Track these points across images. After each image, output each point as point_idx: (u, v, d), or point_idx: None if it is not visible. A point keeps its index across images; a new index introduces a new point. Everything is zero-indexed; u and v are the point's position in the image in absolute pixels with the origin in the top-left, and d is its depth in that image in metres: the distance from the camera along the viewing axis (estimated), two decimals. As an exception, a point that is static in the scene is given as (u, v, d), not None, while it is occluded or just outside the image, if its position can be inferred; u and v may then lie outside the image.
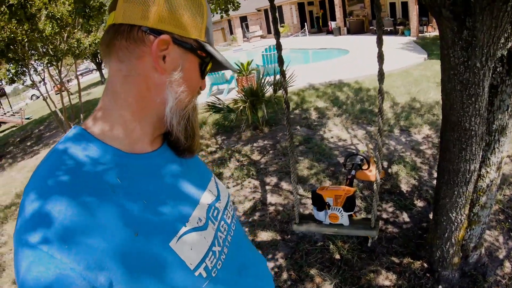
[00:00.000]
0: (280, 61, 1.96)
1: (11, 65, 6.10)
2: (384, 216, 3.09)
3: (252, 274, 0.73)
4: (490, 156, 1.93)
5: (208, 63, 0.65)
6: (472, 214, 2.06)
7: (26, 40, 5.11)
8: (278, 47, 1.94)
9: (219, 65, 0.69)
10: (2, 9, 2.94)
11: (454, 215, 1.99)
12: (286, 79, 6.00)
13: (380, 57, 1.74)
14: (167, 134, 0.67)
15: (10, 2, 2.94)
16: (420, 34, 14.20)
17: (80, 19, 4.51)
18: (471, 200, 2.01)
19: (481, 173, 1.97)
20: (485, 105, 1.68)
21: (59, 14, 5.07)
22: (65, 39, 5.77)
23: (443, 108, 1.85)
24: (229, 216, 0.75)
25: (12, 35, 4.77)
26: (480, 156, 1.83)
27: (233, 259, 0.68)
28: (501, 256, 2.37)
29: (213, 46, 0.66)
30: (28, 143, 10.02)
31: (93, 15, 3.84)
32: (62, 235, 0.46)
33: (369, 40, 14.92)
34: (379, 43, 1.73)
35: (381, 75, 1.80)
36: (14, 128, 14.04)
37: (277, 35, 1.90)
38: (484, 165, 1.95)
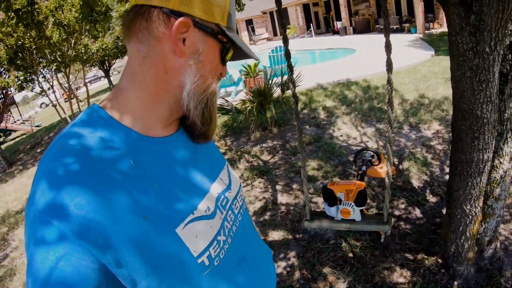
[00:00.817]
0: (288, 55, 1.96)
1: (20, 72, 6.21)
2: (397, 213, 3.03)
3: (251, 266, 0.73)
4: (503, 146, 1.87)
5: (229, 49, 0.63)
6: (486, 207, 2.00)
7: (34, 47, 5.19)
8: (287, 54, 1.95)
9: (241, 54, 0.68)
10: (9, 14, 2.99)
11: (468, 207, 1.93)
12: (294, 78, 6.01)
13: (388, 47, 1.72)
14: (183, 119, 0.66)
15: (17, 7, 3.00)
16: (426, 31, 14.04)
17: (87, 24, 4.56)
18: (485, 192, 1.96)
19: (494, 163, 1.91)
20: (496, 92, 1.63)
21: (66, 21, 5.14)
22: (72, 45, 5.85)
23: (453, 97, 1.81)
24: (237, 207, 0.74)
25: (20, 42, 4.86)
26: (493, 145, 1.77)
27: (235, 249, 0.68)
28: (517, 250, 2.30)
29: (235, 32, 0.64)
30: (38, 150, 10.17)
31: (100, 19, 3.88)
32: (72, 214, 0.47)
33: (376, 38, 14.83)
34: (386, 33, 1.70)
35: (389, 65, 1.78)
36: (24, 136, 14.31)
37: (286, 42, 1.94)
38: (497, 156, 1.89)
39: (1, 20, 3.76)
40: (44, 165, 0.52)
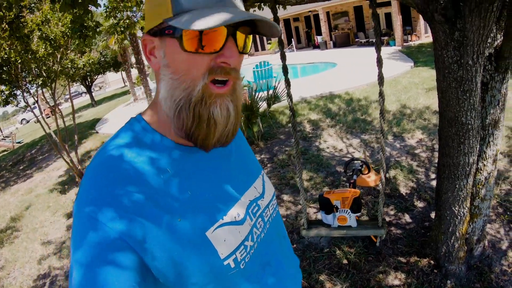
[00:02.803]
0: (285, 71, 2.07)
1: (5, 86, 6.09)
2: (387, 219, 3.14)
3: (275, 272, 0.75)
4: (486, 150, 2.02)
5: (179, 33, 0.55)
6: (473, 207, 2.13)
7: (19, 61, 5.13)
8: (285, 70, 2.09)
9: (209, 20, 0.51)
10: (3, 26, 2.99)
11: (457, 208, 2.06)
12: (278, 94, 6.00)
13: (379, 62, 1.85)
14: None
15: (11, 19, 3.00)
16: (405, 44, 14.63)
17: (75, 39, 4.57)
18: (471, 193, 2.09)
19: (479, 166, 2.05)
20: (478, 100, 1.78)
21: (52, 35, 5.12)
22: (58, 60, 5.80)
23: (439, 106, 1.95)
24: (267, 215, 0.77)
25: (6, 56, 4.80)
26: (477, 149, 1.92)
27: (260, 254, 0.71)
28: (503, 247, 2.45)
29: (195, 10, 0.53)
30: (21, 167, 9.91)
31: (89, 34, 3.91)
32: (117, 214, 0.52)
33: (355, 52, 15.32)
34: (378, 48, 1.84)
35: (381, 79, 1.91)
36: (5, 152, 13.84)
37: (283, 58, 2.08)
38: (481, 159, 2.04)
39: None
40: (93, 168, 0.58)
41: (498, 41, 1.82)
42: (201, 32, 0.53)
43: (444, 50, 1.72)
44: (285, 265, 0.80)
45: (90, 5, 2.73)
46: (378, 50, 1.84)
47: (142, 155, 0.60)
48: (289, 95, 2.15)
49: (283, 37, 23.84)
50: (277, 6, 1.99)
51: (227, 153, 0.73)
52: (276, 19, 1.99)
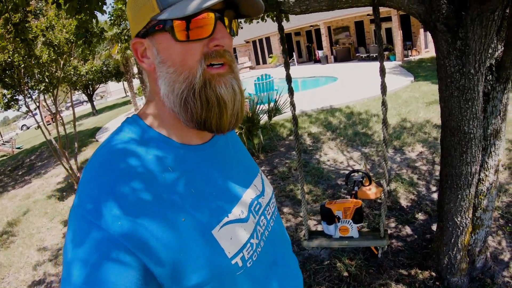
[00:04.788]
0: (289, 79, 2.08)
1: (7, 90, 6.12)
2: (388, 231, 3.11)
3: (282, 271, 0.75)
4: (488, 160, 2.01)
5: (170, 24, 0.56)
6: (475, 218, 2.11)
7: (22, 65, 5.17)
8: (288, 78, 2.13)
9: (196, 7, 0.54)
10: (8, 27, 3.02)
11: (459, 219, 2.04)
12: (279, 106, 6.03)
13: (382, 71, 1.86)
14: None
15: (16, 21, 3.03)
16: (405, 58, 14.79)
17: (80, 45, 4.61)
18: (473, 204, 2.07)
19: (481, 177, 2.04)
20: (480, 109, 1.78)
21: (56, 41, 5.17)
22: (61, 66, 5.85)
23: (442, 115, 1.95)
24: (269, 213, 0.76)
25: (10, 59, 4.84)
26: (480, 159, 1.91)
27: (266, 253, 0.70)
28: (506, 259, 2.42)
29: (178, 3, 0.56)
30: (20, 172, 9.88)
31: (94, 40, 3.96)
32: (115, 215, 0.50)
33: (356, 66, 15.47)
34: (380, 57, 1.86)
35: (383, 88, 1.91)
36: (4, 158, 13.83)
37: (287, 67, 2.11)
38: (483, 169, 2.03)
39: (0, 33, 3.78)
40: (90, 170, 0.56)
41: (499, 52, 1.84)
42: (189, 19, 0.55)
43: (446, 59, 1.73)
44: (290, 264, 0.80)
45: (96, 11, 2.77)
46: (381, 59, 1.86)
47: (143, 154, 0.58)
48: (292, 104, 2.16)
49: (285, 51, 24.06)
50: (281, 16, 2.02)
51: (227, 151, 0.73)
52: (281, 28, 2.01)
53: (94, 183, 0.54)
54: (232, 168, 0.72)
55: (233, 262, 0.60)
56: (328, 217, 2.33)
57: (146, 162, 0.58)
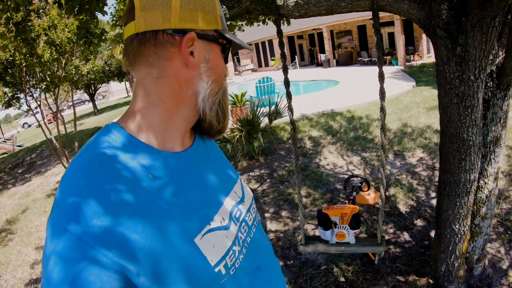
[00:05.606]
0: (287, 83, 2.07)
1: (8, 89, 6.14)
2: (386, 237, 3.09)
3: (265, 277, 0.75)
4: (487, 167, 1.99)
5: (229, 48, 0.69)
6: (473, 226, 2.09)
7: (24, 64, 5.17)
8: (287, 82, 2.11)
9: (236, 47, 0.74)
10: (9, 26, 3.02)
11: (457, 226, 2.02)
12: (279, 109, 6.02)
13: (381, 76, 1.85)
14: (197, 126, 0.71)
15: (18, 20, 3.04)
16: (407, 63, 14.78)
17: (81, 45, 4.62)
18: (472, 211, 2.05)
19: (480, 184, 2.02)
20: (480, 116, 1.77)
21: (58, 40, 5.18)
22: (63, 65, 5.86)
23: (441, 122, 1.94)
24: (250, 219, 0.76)
25: (11, 58, 4.84)
26: (479, 166, 1.89)
27: (250, 260, 0.70)
28: (504, 267, 2.40)
29: (227, 31, 0.70)
30: (20, 170, 9.88)
31: (95, 41, 3.96)
32: (93, 223, 0.49)
33: (358, 70, 15.47)
34: (380, 63, 1.85)
35: (382, 93, 1.90)
36: (5, 155, 13.85)
37: (285, 71, 2.10)
38: (482, 176, 2.01)
39: (1, 32, 3.78)
40: (71, 176, 0.54)
41: (500, 58, 1.83)
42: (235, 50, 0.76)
43: (446, 65, 1.72)
44: (273, 269, 0.80)
45: (96, 12, 2.77)
46: (380, 65, 1.85)
47: (122, 161, 0.57)
48: (290, 108, 2.14)
49: (287, 53, 24.13)
50: (281, 20, 2.01)
51: (207, 158, 0.73)
52: (279, 31, 2.01)
53: (73, 190, 0.52)
54: (212, 175, 0.72)
55: (216, 270, 0.60)
56: (325, 222, 2.31)
57: (126, 171, 0.56)
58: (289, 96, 2.13)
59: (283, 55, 2.02)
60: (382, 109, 1.96)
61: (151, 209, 0.55)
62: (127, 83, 27.94)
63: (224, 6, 2.09)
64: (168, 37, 0.60)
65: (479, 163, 1.89)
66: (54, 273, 0.47)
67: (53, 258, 0.48)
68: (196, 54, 0.62)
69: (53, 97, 6.37)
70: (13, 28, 2.97)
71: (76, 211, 0.49)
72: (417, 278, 2.43)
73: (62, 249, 0.48)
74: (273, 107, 5.80)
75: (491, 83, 1.87)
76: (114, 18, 6.69)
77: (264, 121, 5.94)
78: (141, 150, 0.60)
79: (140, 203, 0.54)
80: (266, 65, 25.09)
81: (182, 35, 0.60)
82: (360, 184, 2.95)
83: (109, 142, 0.59)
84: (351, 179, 2.95)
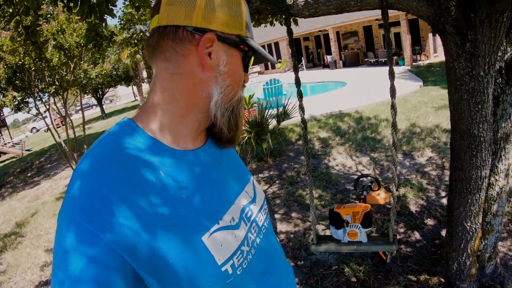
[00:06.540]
0: (298, 83, 2.08)
1: (17, 93, 6.23)
2: (397, 236, 3.06)
3: (273, 279, 0.73)
4: (498, 164, 1.98)
5: (251, 57, 0.68)
6: (485, 224, 2.08)
7: (33, 68, 5.24)
8: (297, 82, 2.14)
9: (260, 58, 0.72)
10: (19, 29, 3.07)
11: (469, 224, 2.01)
12: (287, 111, 6.03)
13: (391, 74, 1.85)
14: (211, 129, 0.69)
15: (27, 24, 3.09)
16: (414, 63, 14.67)
17: (90, 48, 4.67)
18: (483, 209, 2.04)
19: (491, 181, 2.01)
20: (490, 112, 1.76)
21: (67, 45, 5.24)
22: (71, 69, 5.94)
23: (451, 119, 1.93)
24: (261, 219, 0.75)
25: (21, 62, 4.91)
26: (490, 163, 1.88)
27: (258, 261, 0.69)
28: (517, 266, 2.37)
29: (253, 39, 0.68)
30: (29, 174, 10.01)
31: (104, 44, 4.01)
32: (104, 219, 0.49)
33: (365, 71, 15.41)
34: (390, 61, 1.84)
35: (393, 91, 1.90)
36: (14, 159, 14.05)
37: (296, 70, 2.12)
38: (493, 173, 2.00)
39: (11, 35, 3.85)
40: (82, 169, 0.55)
41: (509, 54, 1.82)
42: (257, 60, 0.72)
43: (455, 61, 1.71)
44: (283, 272, 0.78)
45: (106, 15, 2.81)
46: (390, 62, 1.84)
47: (135, 158, 0.57)
48: (302, 107, 2.15)
49: (293, 55, 24.08)
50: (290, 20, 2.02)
51: (219, 158, 0.73)
52: (290, 31, 2.01)
53: (86, 187, 0.52)
54: (224, 174, 0.71)
55: (222, 269, 0.59)
56: (337, 221, 2.31)
57: (138, 167, 0.57)
58: (300, 95, 2.13)
59: (293, 54, 2.03)
60: (393, 107, 1.95)
61: (159, 208, 0.55)
62: (135, 87, 28.15)
63: None
64: (187, 34, 0.60)
65: (490, 160, 1.88)
66: (80, 267, 0.47)
67: (60, 249, 0.49)
68: (213, 56, 0.61)
69: (62, 101, 6.45)
70: (23, 31, 3.02)
71: (88, 219, 0.49)
72: (428, 277, 2.41)
73: (72, 258, 0.48)
74: (281, 109, 5.80)
75: (500, 79, 1.86)
76: (122, 22, 6.76)
77: (272, 123, 5.95)
78: (154, 147, 0.60)
79: (147, 203, 0.54)
80: (273, 67, 25.10)
81: (201, 34, 0.59)
82: (370, 184, 2.93)
83: (119, 139, 0.59)
84: (361, 179, 2.94)
